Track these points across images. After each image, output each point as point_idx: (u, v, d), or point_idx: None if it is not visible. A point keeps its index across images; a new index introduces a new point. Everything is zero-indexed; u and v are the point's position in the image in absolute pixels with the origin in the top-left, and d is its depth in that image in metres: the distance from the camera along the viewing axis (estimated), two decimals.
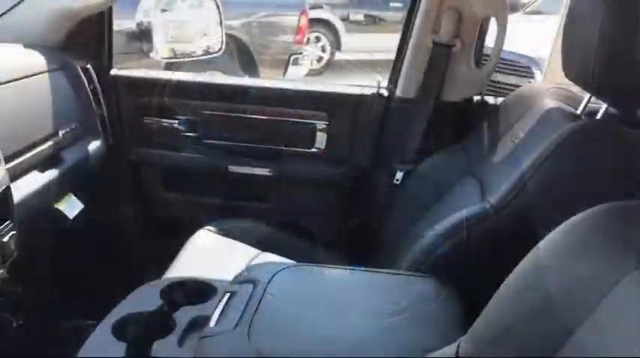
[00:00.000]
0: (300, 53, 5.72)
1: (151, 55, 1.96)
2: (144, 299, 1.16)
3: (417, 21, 1.69)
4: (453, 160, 1.59)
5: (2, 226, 1.17)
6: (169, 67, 2.57)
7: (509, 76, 3.95)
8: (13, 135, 1.33)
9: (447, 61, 1.69)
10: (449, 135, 1.71)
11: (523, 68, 4.21)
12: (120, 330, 1.06)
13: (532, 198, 1.12)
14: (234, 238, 1.63)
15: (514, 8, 5.72)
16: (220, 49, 1.95)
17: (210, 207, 1.87)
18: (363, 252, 1.71)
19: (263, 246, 1.61)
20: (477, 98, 1.76)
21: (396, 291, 1.13)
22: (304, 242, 1.72)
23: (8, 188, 1.20)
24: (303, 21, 5.80)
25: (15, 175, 1.29)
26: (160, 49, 1.91)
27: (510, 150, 1.36)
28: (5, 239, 1.17)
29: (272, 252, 1.56)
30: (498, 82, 3.40)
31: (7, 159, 1.25)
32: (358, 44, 7.54)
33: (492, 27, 1.68)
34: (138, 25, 1.99)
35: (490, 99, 1.77)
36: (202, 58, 2.00)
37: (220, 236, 1.64)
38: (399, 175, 1.72)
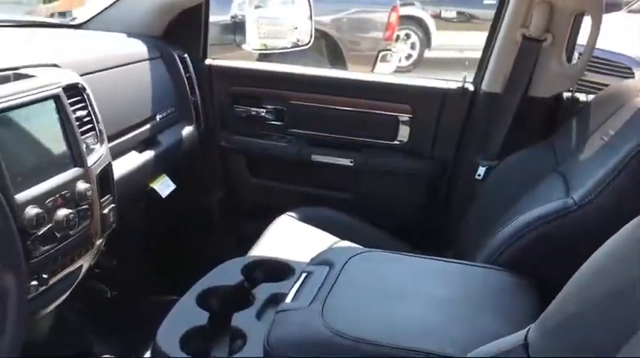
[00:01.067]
0: (389, 50, 5.71)
1: (243, 46, 2.05)
2: (226, 274, 1.23)
3: (507, 14, 1.66)
4: (538, 157, 1.56)
5: (103, 199, 1.27)
6: (262, 59, 2.67)
7: (607, 76, 3.78)
8: (116, 118, 1.44)
9: (537, 56, 1.65)
10: (535, 132, 1.68)
11: (623, 68, 4.02)
12: (203, 301, 1.13)
13: (616, 196, 1.09)
14: (314, 225, 1.68)
15: (616, 6, 5.45)
16: (309, 42, 2.00)
17: (292, 194, 1.93)
18: (440, 245, 1.71)
19: (341, 234, 1.64)
20: (566, 94, 1.71)
21: (469, 281, 1.13)
22: (382, 232, 1.74)
23: (110, 165, 1.31)
24: (394, 18, 5.79)
25: (116, 154, 1.40)
26: (252, 42, 2.00)
27: (599, 148, 1.32)
28: (105, 211, 1.28)
29: (350, 241, 1.59)
30: (596, 83, 3.25)
31: (110, 139, 1.35)
32: (449, 42, 7.43)
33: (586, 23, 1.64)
34: (232, 17, 2.09)
35: (581, 96, 1.71)
36: (291, 50, 2.07)
37: (301, 222, 1.69)
38: (481, 170, 1.70)
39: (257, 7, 2.08)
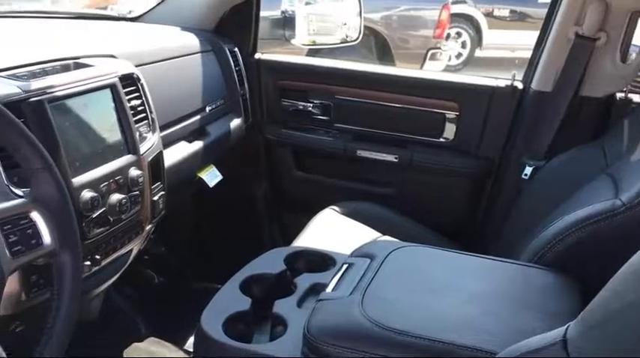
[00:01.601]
0: (439, 48, 5.66)
1: (293, 42, 2.07)
2: (269, 263, 1.25)
3: (560, 12, 1.63)
4: (587, 158, 1.53)
5: (154, 186, 1.31)
6: (311, 54, 2.69)
7: None
8: (168, 108, 1.48)
9: (590, 55, 1.62)
10: (585, 132, 1.65)
11: None
12: (246, 287, 1.16)
13: None
14: (357, 219, 1.69)
15: None
16: (357, 39, 2.01)
17: (336, 188, 1.95)
18: (483, 243, 1.70)
19: (384, 229, 1.65)
20: (619, 95, 1.67)
21: (511, 279, 1.13)
22: (425, 229, 1.74)
23: (161, 153, 1.35)
24: (445, 15, 5.74)
25: (167, 143, 1.44)
26: (301, 38, 2.02)
27: None
28: (155, 198, 1.32)
29: (392, 236, 1.60)
30: None
31: (162, 129, 1.40)
32: (501, 41, 7.28)
33: None
34: (282, 12, 2.12)
35: (635, 97, 1.67)
36: (340, 46, 2.08)
37: (344, 216, 1.71)
38: (528, 170, 1.68)
39: (307, 3, 2.10)
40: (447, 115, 1.82)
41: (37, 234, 0.86)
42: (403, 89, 1.86)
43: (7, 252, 0.80)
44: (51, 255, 0.88)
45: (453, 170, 1.83)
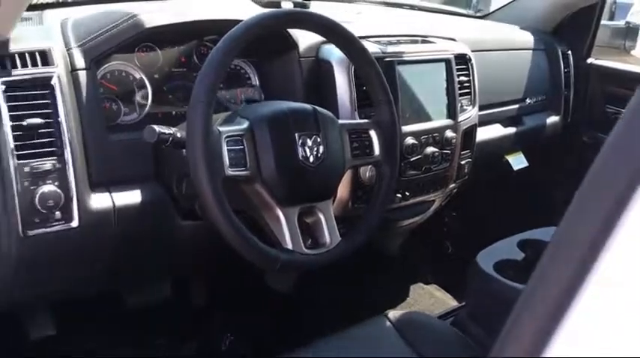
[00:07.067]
0: None
1: (632, 52, 2.06)
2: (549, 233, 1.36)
3: None
4: None
5: (463, 152, 1.53)
6: None
7: None
8: (490, 91, 1.69)
9: None
10: None
11: None
12: (523, 245, 1.30)
13: None
14: None
15: None
16: None
17: None
18: None
19: None
20: None
21: None
22: None
23: (475, 126, 1.56)
24: None
25: (483, 122, 1.64)
26: None
27: None
28: (463, 162, 1.54)
29: None
30: None
31: (481, 108, 1.60)
32: None
33: None
34: (627, 23, 2.11)
35: None
36: None
37: None
38: None
39: None
40: None
41: (370, 146, 1.16)
42: None
43: (349, 152, 1.13)
44: (377, 163, 1.18)
45: None
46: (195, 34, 1.26)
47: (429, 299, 1.79)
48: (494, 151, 1.77)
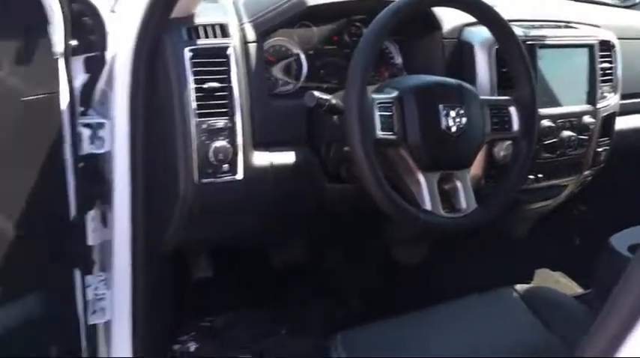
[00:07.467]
0: None
1: None
2: None
3: None
4: None
5: (601, 139, 1.53)
6: None
7: None
8: (634, 81, 1.65)
9: None
10: None
11: None
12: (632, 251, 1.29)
13: None
14: None
15: None
16: None
17: None
18: None
19: None
20: None
21: None
22: None
23: (614, 114, 1.55)
24: None
25: (623, 112, 1.60)
26: None
27: None
28: (599, 149, 1.54)
29: None
30: None
31: (623, 97, 1.57)
32: None
33: None
34: None
35: None
36: None
37: None
38: None
39: None
40: None
41: (509, 122, 1.22)
42: None
43: (489, 126, 1.19)
44: (514, 139, 1.23)
45: None
46: (345, 14, 1.38)
47: (554, 284, 1.79)
48: (635, 142, 1.73)
